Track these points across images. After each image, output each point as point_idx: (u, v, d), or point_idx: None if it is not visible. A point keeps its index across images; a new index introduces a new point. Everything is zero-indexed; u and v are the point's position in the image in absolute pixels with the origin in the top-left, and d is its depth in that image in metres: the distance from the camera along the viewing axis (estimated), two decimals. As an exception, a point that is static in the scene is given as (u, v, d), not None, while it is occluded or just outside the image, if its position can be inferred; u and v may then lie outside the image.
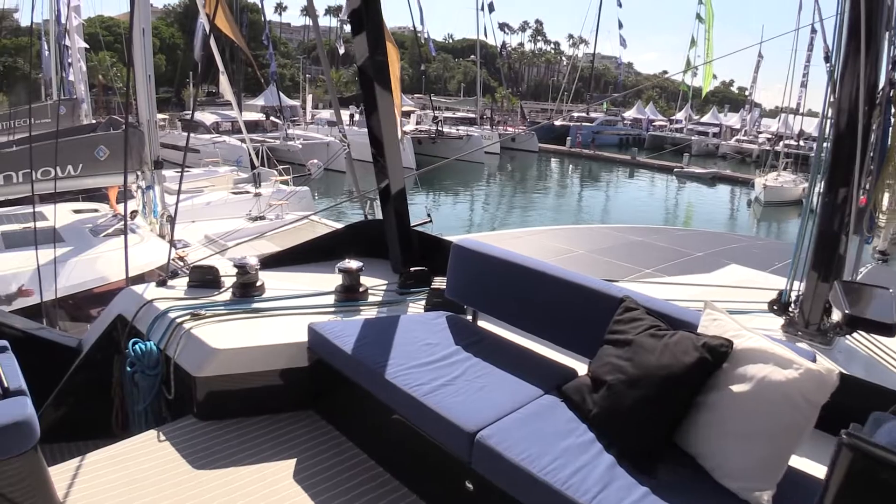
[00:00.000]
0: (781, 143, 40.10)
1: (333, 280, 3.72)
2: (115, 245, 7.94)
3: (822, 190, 3.39)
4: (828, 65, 3.22)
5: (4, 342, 2.42)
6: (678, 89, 71.54)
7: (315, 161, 17.98)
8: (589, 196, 36.39)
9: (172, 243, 9.31)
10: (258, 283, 3.59)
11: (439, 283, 3.59)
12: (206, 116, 32.15)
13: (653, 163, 45.09)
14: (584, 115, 52.96)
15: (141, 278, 7.86)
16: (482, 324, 3.31)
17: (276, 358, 3.04)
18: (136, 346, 3.07)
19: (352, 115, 37.19)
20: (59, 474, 2.51)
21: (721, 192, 39.36)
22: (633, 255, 7.33)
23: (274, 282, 3.79)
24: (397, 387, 2.49)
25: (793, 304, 3.63)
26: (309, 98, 44.32)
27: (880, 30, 3.11)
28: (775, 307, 3.71)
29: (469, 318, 3.35)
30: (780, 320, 3.64)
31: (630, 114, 62.65)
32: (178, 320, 3.16)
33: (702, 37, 50.63)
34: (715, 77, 74.19)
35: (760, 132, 54.98)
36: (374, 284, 3.92)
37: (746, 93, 69.26)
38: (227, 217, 13.41)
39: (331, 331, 2.92)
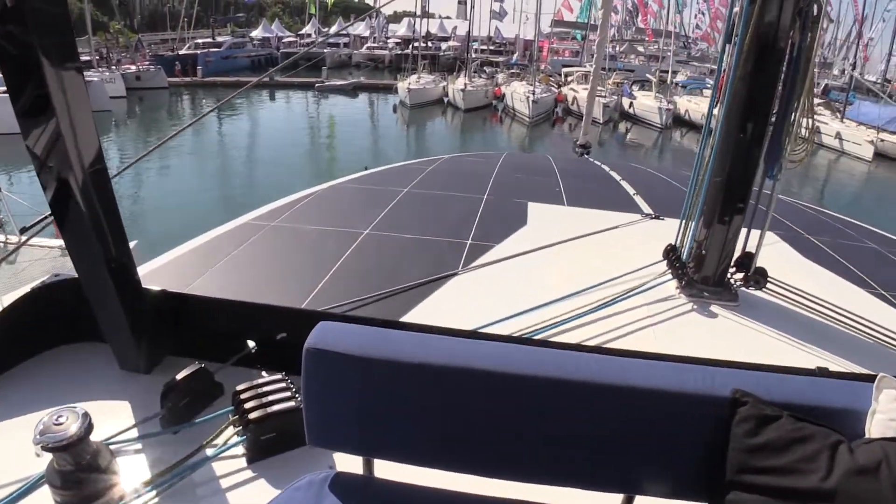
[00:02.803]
0: (411, 47, 42.95)
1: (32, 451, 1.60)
2: None
3: (726, 114, 2.83)
4: None
5: None
6: (303, 2, 70.84)
7: None
8: (230, 126, 34.99)
9: None
10: None
11: (254, 398, 1.93)
12: None
13: (291, 81, 44.88)
14: (210, 40, 49.94)
15: None
16: (386, 475, 1.65)
17: None
18: None
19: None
20: None
21: (363, 101, 41.13)
22: (439, 220, 4.91)
23: None
24: None
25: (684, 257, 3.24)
26: None
27: None
28: (675, 263, 3.24)
29: (345, 464, 1.83)
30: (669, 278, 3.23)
31: (257, 33, 60.58)
32: None
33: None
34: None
35: (389, 38, 58.10)
36: (109, 435, 1.92)
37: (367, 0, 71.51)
38: None
39: None
